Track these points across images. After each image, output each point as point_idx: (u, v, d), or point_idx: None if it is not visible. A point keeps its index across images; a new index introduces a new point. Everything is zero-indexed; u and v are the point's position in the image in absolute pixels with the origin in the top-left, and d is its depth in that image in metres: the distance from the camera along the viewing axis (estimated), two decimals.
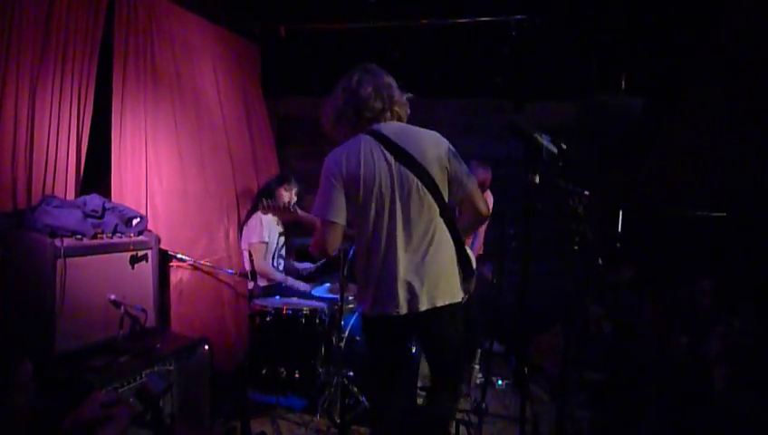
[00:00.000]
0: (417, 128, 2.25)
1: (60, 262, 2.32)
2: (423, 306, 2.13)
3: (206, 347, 2.82)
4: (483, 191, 4.42)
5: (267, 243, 3.83)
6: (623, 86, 4.39)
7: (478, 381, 3.74)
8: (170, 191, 3.46)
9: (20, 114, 2.60)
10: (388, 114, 2.24)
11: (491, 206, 4.30)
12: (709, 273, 3.75)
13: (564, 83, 4.78)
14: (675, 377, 3.28)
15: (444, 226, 2.19)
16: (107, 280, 2.56)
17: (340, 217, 2.15)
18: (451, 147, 2.22)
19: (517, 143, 2.07)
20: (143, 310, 2.65)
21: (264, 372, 3.27)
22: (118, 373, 2.32)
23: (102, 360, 2.39)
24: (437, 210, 2.16)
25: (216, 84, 4.05)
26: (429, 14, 4.46)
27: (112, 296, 2.55)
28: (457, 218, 2.30)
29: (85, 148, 2.92)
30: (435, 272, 2.15)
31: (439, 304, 2.15)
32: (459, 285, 2.24)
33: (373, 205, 2.13)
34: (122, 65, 3.16)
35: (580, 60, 4.55)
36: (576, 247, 2.22)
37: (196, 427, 2.65)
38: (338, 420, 3.13)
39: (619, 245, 4.77)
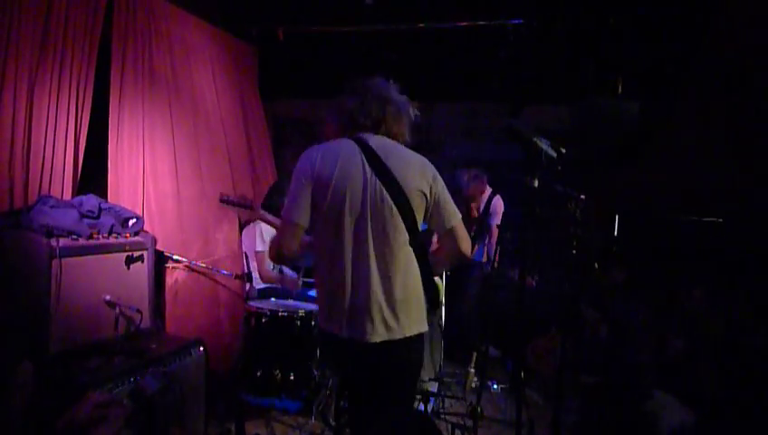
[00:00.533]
0: (408, 150, 2.12)
1: (55, 262, 2.31)
2: (394, 334, 1.99)
3: (202, 348, 2.81)
4: (472, 202, 4.48)
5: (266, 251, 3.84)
6: (620, 90, 4.41)
7: (474, 385, 3.74)
8: (167, 192, 3.45)
9: (18, 114, 2.59)
10: (383, 128, 2.11)
11: (500, 211, 4.30)
12: (705, 277, 3.77)
13: (561, 87, 4.80)
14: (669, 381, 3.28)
15: (412, 254, 2.04)
16: (102, 280, 2.55)
17: (300, 217, 2.01)
18: (438, 177, 2.09)
19: (516, 147, 2.06)
20: (138, 311, 2.65)
21: (259, 374, 3.26)
22: (112, 374, 2.30)
23: (97, 360, 2.37)
24: (407, 237, 2.01)
25: (213, 86, 4.04)
26: (427, 17, 4.47)
27: (108, 297, 2.55)
28: (433, 250, 2.20)
29: (82, 148, 2.91)
30: (403, 298, 2.00)
31: (407, 334, 2.01)
32: (424, 315, 2.10)
33: (341, 213, 1.98)
34: (120, 66, 3.16)
35: (577, 64, 4.57)
36: (573, 251, 2.23)
37: (190, 428, 2.64)
38: (333, 423, 3.12)
39: (615, 248, 4.78)
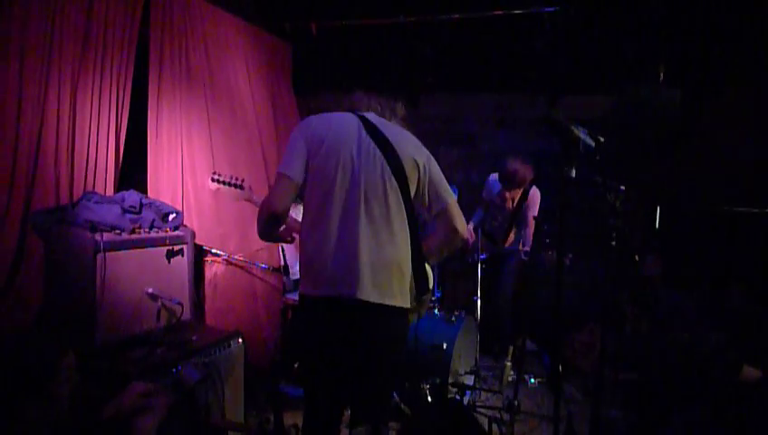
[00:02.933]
0: (404, 129, 2.15)
1: (100, 256, 2.38)
2: (376, 297, 1.92)
3: (240, 340, 2.86)
4: (522, 188, 4.38)
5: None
6: (661, 78, 4.27)
7: (510, 379, 3.70)
8: (204, 187, 3.51)
9: (62, 114, 2.68)
10: (380, 110, 2.16)
11: (537, 202, 4.22)
12: (748, 272, 3.63)
13: (599, 76, 4.68)
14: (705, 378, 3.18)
15: (405, 224, 2.01)
16: (144, 274, 2.61)
17: (293, 172, 1.97)
18: (433, 159, 2.10)
19: (552, 138, 2.02)
20: (179, 303, 2.71)
21: (296, 366, 3.30)
22: (155, 365, 2.37)
23: (140, 351, 2.44)
24: (400, 202, 1.98)
25: (248, 81, 4.09)
26: (461, 8, 4.41)
27: (150, 290, 2.61)
28: (427, 235, 2.14)
29: (123, 146, 2.99)
30: (388, 263, 1.95)
31: (387, 302, 1.94)
32: (408, 291, 2.04)
33: (332, 171, 1.95)
34: (158, 64, 3.23)
35: (615, 52, 4.45)
36: (613, 243, 2.17)
37: (230, 418, 2.69)
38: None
39: (655, 241, 4.65)
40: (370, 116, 2.10)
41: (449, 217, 2.07)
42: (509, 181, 4.35)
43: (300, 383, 2.83)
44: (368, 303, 1.92)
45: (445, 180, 2.11)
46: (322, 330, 2.02)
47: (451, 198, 2.09)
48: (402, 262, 2.00)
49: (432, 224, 2.15)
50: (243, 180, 2.85)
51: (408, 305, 2.03)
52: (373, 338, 1.99)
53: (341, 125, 2.05)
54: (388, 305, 1.95)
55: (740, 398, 2.84)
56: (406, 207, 2.01)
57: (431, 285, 2.21)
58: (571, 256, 4.30)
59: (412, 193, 2.04)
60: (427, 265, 2.16)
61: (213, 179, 2.83)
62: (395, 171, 1.98)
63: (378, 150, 1.99)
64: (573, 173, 2.00)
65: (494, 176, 4.62)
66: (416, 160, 2.03)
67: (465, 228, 2.10)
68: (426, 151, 2.11)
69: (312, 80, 5.06)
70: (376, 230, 1.95)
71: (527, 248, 4.37)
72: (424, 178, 2.06)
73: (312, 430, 2.12)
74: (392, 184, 1.98)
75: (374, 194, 1.96)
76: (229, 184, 2.84)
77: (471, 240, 4.30)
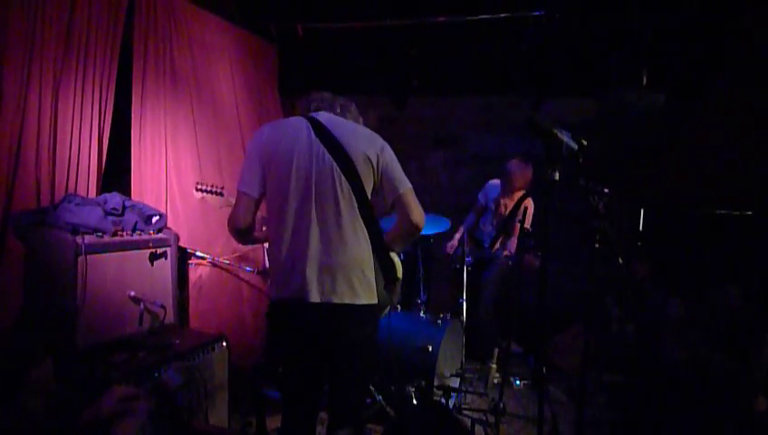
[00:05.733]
0: (359, 125, 2.17)
1: (81, 259, 2.35)
2: (335, 298, 1.97)
3: (224, 344, 2.84)
4: (525, 189, 4.39)
5: None
6: (645, 82, 4.32)
7: (496, 381, 3.71)
8: (189, 189, 3.49)
9: (43, 114, 2.65)
10: (337, 108, 2.19)
11: (530, 212, 4.22)
12: (734, 274, 3.67)
13: (583, 80, 4.72)
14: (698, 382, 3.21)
15: (361, 223, 2.05)
16: (127, 277, 2.59)
17: (249, 187, 2.05)
18: (388, 148, 2.12)
19: (536, 141, 2.03)
20: (162, 306, 2.69)
21: (281, 369, 3.27)
22: (137, 369, 2.34)
23: (122, 355, 2.42)
24: (354, 204, 2.02)
25: (233, 83, 4.07)
26: (447, 11, 4.43)
27: (132, 293, 2.58)
28: (389, 228, 2.17)
29: (106, 147, 2.96)
30: (345, 264, 1.99)
31: (346, 300, 1.98)
32: (374, 286, 2.07)
33: (286, 181, 2.01)
34: (142, 65, 3.20)
35: (599, 55, 4.49)
36: (597, 246, 2.18)
37: (212, 422, 2.67)
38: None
39: (640, 243, 4.69)
40: (322, 116, 2.12)
41: (403, 206, 2.08)
42: (509, 182, 4.39)
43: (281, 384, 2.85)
44: (321, 305, 1.97)
45: (400, 170, 2.12)
46: (285, 333, 2.09)
47: (404, 187, 2.09)
48: (358, 261, 2.03)
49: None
50: (223, 188, 2.91)
51: (370, 301, 2.05)
52: (336, 338, 2.03)
53: (292, 131, 2.07)
54: (346, 304, 1.99)
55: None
56: (361, 206, 2.04)
57: (399, 274, 2.25)
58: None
59: (369, 189, 2.07)
60: (393, 255, 2.21)
61: (197, 189, 2.91)
62: (346, 172, 2.01)
63: (327, 153, 2.02)
64: (557, 176, 2.02)
65: (493, 182, 4.65)
66: (367, 156, 2.05)
67: (421, 218, 2.11)
68: (380, 143, 2.12)
69: (297, 82, 5.05)
70: (327, 234, 2.00)
71: (510, 251, 4.39)
72: (377, 170, 2.08)
73: (287, 431, 2.15)
74: (343, 186, 2.01)
75: (325, 198, 2.01)
76: (212, 192, 2.91)
77: (454, 245, 4.32)
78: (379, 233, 2.10)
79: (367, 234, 2.07)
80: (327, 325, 2.01)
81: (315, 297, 1.97)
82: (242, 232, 2.11)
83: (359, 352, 2.08)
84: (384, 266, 2.14)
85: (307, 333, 2.03)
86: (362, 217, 2.05)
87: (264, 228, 2.30)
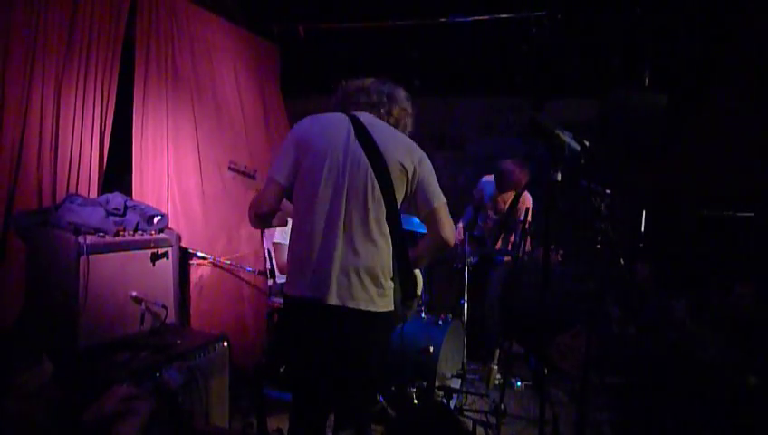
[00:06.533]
0: (398, 132, 2.13)
1: (83, 259, 2.35)
2: (351, 303, 1.94)
3: (225, 344, 2.84)
4: (516, 189, 4.38)
5: (284, 244, 3.86)
6: (647, 82, 4.32)
7: (497, 382, 3.71)
8: (191, 190, 3.50)
9: (45, 115, 2.65)
10: (381, 111, 2.14)
11: (530, 205, 4.21)
12: (737, 274, 3.67)
13: (586, 80, 4.72)
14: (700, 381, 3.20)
15: (387, 231, 2.00)
16: (128, 277, 2.59)
17: (279, 174, 2.02)
18: (426, 160, 2.08)
19: (538, 141, 2.03)
20: (164, 306, 2.69)
21: (281, 369, 3.27)
22: (138, 369, 2.34)
23: (123, 355, 2.42)
24: (383, 210, 1.99)
25: (235, 84, 4.08)
26: (448, 12, 4.43)
27: (134, 293, 2.59)
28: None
29: (108, 147, 2.97)
30: (366, 269, 1.96)
31: (363, 307, 1.95)
32: (391, 295, 2.04)
33: (317, 176, 1.98)
34: (144, 66, 3.20)
35: (602, 56, 4.49)
36: (599, 247, 2.18)
37: (213, 422, 2.67)
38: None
39: (642, 244, 4.69)
40: (364, 117, 2.08)
41: (435, 222, 2.04)
42: (501, 182, 4.37)
43: (287, 384, 2.85)
44: (340, 308, 1.94)
45: (436, 184, 2.08)
46: (299, 330, 2.06)
47: (439, 201, 2.05)
48: (378, 268, 1.99)
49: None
50: (255, 171, 2.89)
51: (386, 309, 2.02)
52: (348, 342, 2.00)
53: (332, 127, 2.05)
54: (361, 310, 1.96)
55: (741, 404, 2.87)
56: (389, 214, 2.00)
57: (419, 291, 2.19)
58: (561, 253, 4.32)
59: (399, 199, 2.04)
60: (416, 271, 2.16)
61: (230, 168, 2.90)
62: (379, 178, 1.98)
63: (364, 156, 1.99)
64: (559, 177, 2.02)
65: (487, 178, 4.62)
66: (403, 165, 2.02)
67: (452, 234, 2.07)
68: (418, 154, 2.08)
69: (299, 83, 5.05)
70: (352, 237, 1.96)
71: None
72: (412, 181, 2.05)
73: (295, 431, 2.13)
74: (375, 191, 1.98)
75: (356, 200, 1.97)
76: (245, 174, 2.88)
77: (459, 239, 4.30)
78: (404, 243, 2.05)
79: (390, 242, 2.03)
80: (340, 329, 1.98)
81: (333, 299, 1.93)
82: (262, 217, 2.08)
83: (368, 358, 2.05)
84: (405, 280, 2.08)
85: (320, 333, 2.00)
86: (389, 225, 2.02)
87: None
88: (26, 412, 1.42)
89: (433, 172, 2.10)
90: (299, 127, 2.09)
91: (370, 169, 1.98)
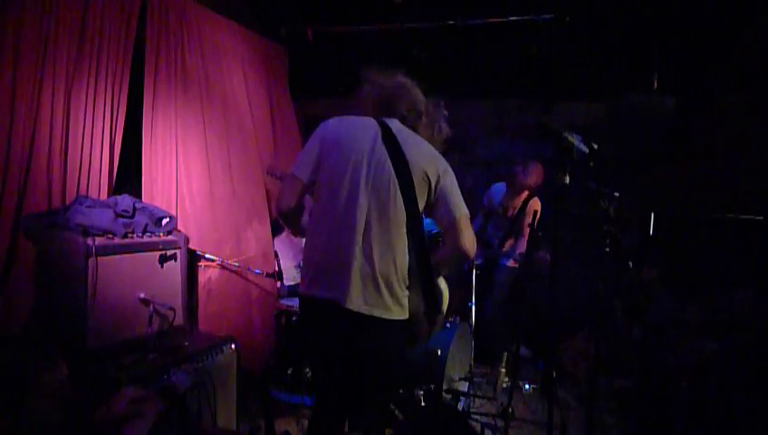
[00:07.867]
0: (425, 142, 2.12)
1: (92, 260, 2.37)
2: (365, 309, 1.93)
3: (233, 346, 2.84)
4: (524, 192, 4.38)
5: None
6: (655, 86, 4.30)
7: (505, 385, 3.69)
8: (199, 192, 3.51)
9: (56, 116, 2.67)
10: (410, 122, 2.14)
11: (538, 209, 4.19)
12: (744, 278, 3.64)
13: (594, 84, 4.70)
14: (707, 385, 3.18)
15: (406, 236, 1.99)
16: (137, 279, 2.60)
17: (300, 172, 2.03)
18: (450, 172, 2.08)
19: (546, 144, 2.03)
20: (172, 308, 2.69)
21: (289, 372, 3.28)
22: (146, 371, 2.35)
23: (131, 357, 2.43)
24: (403, 216, 1.97)
25: (244, 86, 4.09)
26: (456, 14, 4.43)
27: (142, 295, 2.59)
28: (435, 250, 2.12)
29: (118, 149, 2.98)
30: (380, 275, 1.94)
31: (376, 314, 1.94)
32: (405, 302, 2.02)
33: (341, 176, 1.97)
34: (153, 68, 3.22)
35: (610, 59, 4.47)
36: (607, 250, 2.17)
37: (221, 424, 2.67)
38: None
39: (650, 247, 4.66)
40: (393, 124, 2.08)
41: (456, 232, 2.01)
42: (509, 184, 4.37)
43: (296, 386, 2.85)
44: (356, 313, 1.93)
45: (459, 195, 2.06)
46: (315, 329, 2.08)
47: (461, 212, 2.03)
48: (394, 275, 1.98)
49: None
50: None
51: (400, 317, 2.00)
52: (361, 347, 2.00)
53: (359, 130, 2.05)
54: (376, 317, 1.95)
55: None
56: (410, 221, 1.99)
57: (444, 306, 2.16)
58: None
59: (421, 207, 2.03)
60: (442, 284, 2.14)
61: (268, 172, 3.23)
62: (402, 185, 1.97)
63: (389, 162, 1.98)
64: (567, 179, 2.01)
65: (498, 185, 4.64)
66: (427, 174, 2.01)
67: (472, 246, 2.03)
68: (443, 165, 2.07)
69: (308, 85, 5.06)
70: (371, 241, 1.95)
71: (520, 251, 4.37)
72: (435, 190, 2.04)
73: (314, 427, 2.16)
74: (397, 198, 1.97)
75: (377, 205, 1.96)
76: (281, 179, 3.05)
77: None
78: (424, 251, 2.03)
79: (408, 249, 2.01)
80: (353, 332, 1.97)
81: (350, 304, 1.92)
82: (285, 215, 2.09)
83: (379, 363, 2.04)
84: (426, 290, 2.05)
85: (333, 331, 2.00)
86: (410, 232, 2.00)
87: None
88: (46, 412, 1.43)
89: (456, 184, 2.08)
90: (325, 126, 2.09)
91: (394, 175, 1.97)
